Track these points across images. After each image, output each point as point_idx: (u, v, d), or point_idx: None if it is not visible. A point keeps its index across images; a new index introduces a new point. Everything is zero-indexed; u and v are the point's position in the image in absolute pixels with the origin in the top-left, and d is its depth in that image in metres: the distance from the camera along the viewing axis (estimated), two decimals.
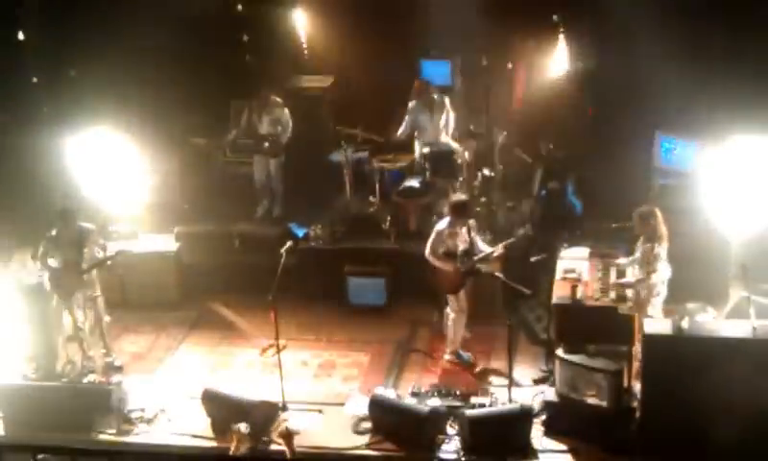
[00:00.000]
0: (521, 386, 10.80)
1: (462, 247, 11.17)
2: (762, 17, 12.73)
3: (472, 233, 11.26)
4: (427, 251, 11.23)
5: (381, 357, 11.72)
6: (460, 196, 11.66)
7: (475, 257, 11.17)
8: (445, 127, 13.53)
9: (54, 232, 11.27)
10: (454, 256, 11.14)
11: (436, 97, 13.43)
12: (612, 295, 10.44)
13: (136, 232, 13.23)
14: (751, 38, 12.79)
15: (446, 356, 11.56)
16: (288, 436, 9.57)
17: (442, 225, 11.28)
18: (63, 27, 14.56)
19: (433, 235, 11.25)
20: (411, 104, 13.52)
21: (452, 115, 13.52)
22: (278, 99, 13.73)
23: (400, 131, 13.53)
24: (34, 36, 14.87)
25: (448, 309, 11.48)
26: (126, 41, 14.26)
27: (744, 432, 9.33)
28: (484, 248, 11.35)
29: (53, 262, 11.24)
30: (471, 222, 11.37)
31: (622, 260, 10.90)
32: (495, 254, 11.26)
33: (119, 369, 11.66)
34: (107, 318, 11.70)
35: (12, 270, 11.78)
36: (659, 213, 10.42)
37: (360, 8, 14.29)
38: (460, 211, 11.20)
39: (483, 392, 10.73)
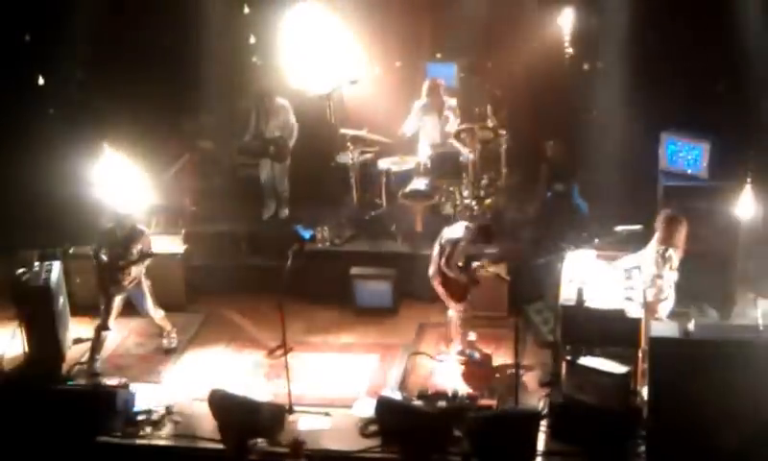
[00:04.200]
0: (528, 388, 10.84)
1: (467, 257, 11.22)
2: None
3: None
4: (449, 264, 11.09)
5: (388, 359, 11.74)
6: (485, 220, 11.63)
7: (476, 264, 11.21)
8: (447, 129, 13.57)
9: (106, 229, 11.57)
10: (464, 268, 11.17)
11: (445, 100, 13.48)
12: (618, 297, 10.44)
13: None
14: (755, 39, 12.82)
15: (455, 357, 11.56)
16: (297, 447, 9.55)
17: (461, 238, 11.18)
18: (69, 28, 14.58)
19: (455, 251, 11.10)
20: (418, 103, 13.56)
21: (453, 118, 13.57)
22: (285, 102, 13.76)
23: (406, 128, 13.56)
24: (40, 37, 14.91)
25: (451, 312, 11.48)
26: (132, 42, 14.31)
27: (751, 435, 9.34)
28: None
29: (103, 257, 11.46)
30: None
31: (625, 259, 10.90)
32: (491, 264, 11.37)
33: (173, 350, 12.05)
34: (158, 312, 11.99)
35: (17, 271, 11.78)
36: (682, 220, 10.39)
37: (367, 9, 14.31)
38: (487, 236, 11.24)
39: (490, 394, 10.73)
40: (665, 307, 10.48)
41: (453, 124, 13.61)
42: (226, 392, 10.57)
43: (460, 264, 11.14)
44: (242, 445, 9.92)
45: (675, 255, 10.33)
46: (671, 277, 10.44)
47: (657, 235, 10.52)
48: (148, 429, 10.61)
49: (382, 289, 12.69)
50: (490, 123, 13.46)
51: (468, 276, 11.15)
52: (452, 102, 13.62)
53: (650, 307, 10.39)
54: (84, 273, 12.65)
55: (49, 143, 14.06)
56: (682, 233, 10.36)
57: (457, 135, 13.61)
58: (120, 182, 12.09)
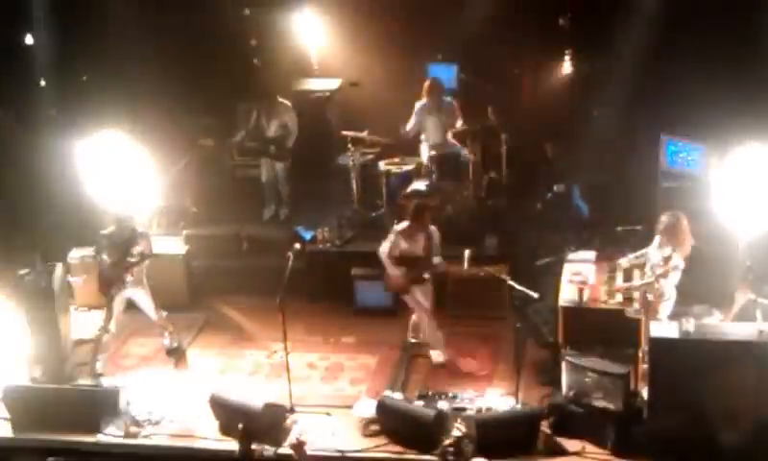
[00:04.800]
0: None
1: (417, 253, 11.24)
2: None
3: (433, 242, 11.27)
4: (382, 249, 11.29)
5: (388, 360, 11.75)
6: (422, 200, 11.66)
7: (423, 267, 11.25)
8: (452, 129, 13.59)
9: (108, 231, 11.58)
10: (409, 261, 11.21)
11: (445, 100, 13.50)
12: (619, 298, 10.47)
13: None
14: (756, 41, 12.84)
15: (437, 358, 11.59)
16: (299, 447, 9.57)
17: (401, 226, 11.34)
18: (71, 30, 14.62)
19: (392, 236, 11.31)
20: (419, 104, 13.59)
21: (459, 120, 13.60)
22: (287, 102, 13.80)
23: (408, 127, 13.59)
24: (42, 39, 14.95)
25: (414, 316, 11.61)
26: (134, 45, 14.34)
27: (750, 435, 9.36)
28: (437, 260, 11.31)
29: (105, 259, 11.47)
30: (433, 230, 11.37)
31: (622, 260, 10.92)
32: (439, 270, 11.35)
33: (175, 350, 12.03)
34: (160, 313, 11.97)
35: (20, 272, 11.81)
36: (684, 221, 10.41)
37: (367, 11, 14.34)
38: (418, 215, 11.25)
39: (490, 394, 10.74)
40: (667, 308, 10.50)
41: (458, 125, 13.65)
42: (226, 392, 10.62)
43: (397, 252, 11.21)
44: (245, 445, 9.94)
45: (677, 257, 10.35)
46: (673, 277, 10.45)
47: (659, 238, 10.53)
48: (149, 429, 10.62)
49: (382, 290, 12.67)
50: (491, 124, 13.48)
51: (400, 270, 11.20)
52: (453, 102, 13.64)
53: (651, 308, 10.41)
54: (86, 273, 12.68)
55: (51, 144, 14.07)
56: (685, 232, 10.37)
57: (458, 136, 13.66)
58: (121, 182, 12.15)
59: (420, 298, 11.41)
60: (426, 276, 11.31)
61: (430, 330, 11.51)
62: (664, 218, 10.46)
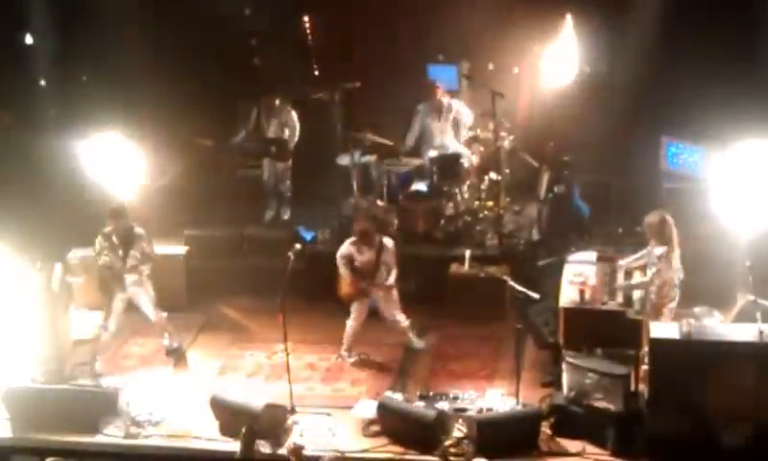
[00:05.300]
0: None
1: (364, 267, 11.37)
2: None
3: (382, 258, 11.37)
4: (338, 253, 11.48)
5: (389, 360, 11.75)
6: (364, 222, 11.71)
7: (372, 281, 11.41)
8: (456, 131, 13.59)
9: (106, 230, 11.52)
10: (355, 273, 11.38)
11: (446, 101, 13.49)
12: (620, 299, 10.47)
13: None
14: (756, 42, 12.84)
15: (343, 354, 11.78)
16: (297, 451, 9.57)
17: (352, 238, 11.50)
18: (71, 30, 14.63)
19: (345, 243, 11.50)
20: (419, 107, 13.59)
21: (464, 121, 13.59)
22: (287, 103, 13.78)
23: (408, 138, 13.61)
24: (41, 39, 14.95)
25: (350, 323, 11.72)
26: (134, 45, 14.34)
27: (750, 436, 9.36)
28: (388, 278, 11.45)
29: (104, 259, 11.44)
30: (389, 245, 11.43)
31: (622, 261, 10.91)
32: (387, 284, 11.45)
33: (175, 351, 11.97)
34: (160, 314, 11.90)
35: (21, 272, 11.80)
36: (669, 218, 10.42)
37: (367, 12, 14.34)
38: (360, 234, 11.41)
39: (491, 395, 10.74)
40: (671, 308, 10.49)
41: (463, 128, 13.65)
42: (227, 393, 10.61)
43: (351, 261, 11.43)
44: (249, 445, 9.94)
45: (674, 254, 10.35)
46: (676, 276, 10.45)
47: (651, 241, 10.55)
48: (149, 430, 10.61)
49: None
50: (491, 124, 13.47)
51: (350, 276, 11.40)
52: (454, 103, 13.64)
53: (656, 309, 10.41)
54: (86, 273, 12.67)
55: (51, 144, 14.08)
56: (671, 229, 10.38)
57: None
58: (120, 181, 12.15)
59: (360, 307, 11.54)
60: (368, 292, 11.46)
61: (350, 333, 11.68)
62: (648, 218, 10.50)
